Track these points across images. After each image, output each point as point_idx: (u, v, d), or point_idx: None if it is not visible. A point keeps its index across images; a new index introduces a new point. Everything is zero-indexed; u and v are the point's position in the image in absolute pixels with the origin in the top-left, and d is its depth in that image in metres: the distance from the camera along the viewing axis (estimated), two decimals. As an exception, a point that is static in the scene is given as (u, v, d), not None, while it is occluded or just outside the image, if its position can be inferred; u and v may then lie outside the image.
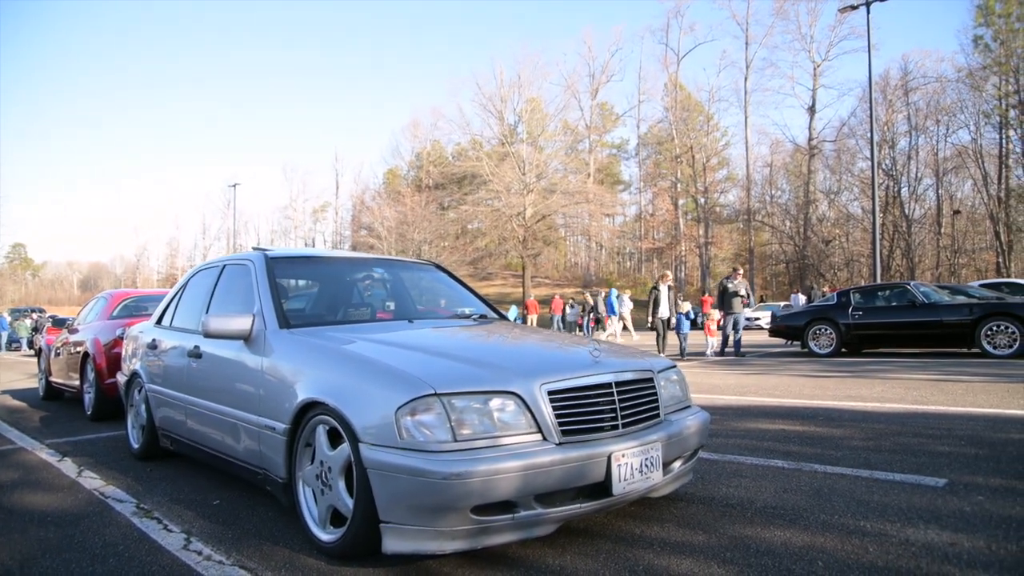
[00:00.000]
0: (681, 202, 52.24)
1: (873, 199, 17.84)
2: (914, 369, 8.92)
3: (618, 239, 54.89)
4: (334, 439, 2.56)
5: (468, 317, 3.71)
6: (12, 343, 24.94)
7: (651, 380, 2.82)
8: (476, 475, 2.13)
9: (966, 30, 35.35)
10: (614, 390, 2.59)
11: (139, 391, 4.53)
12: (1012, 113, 32.01)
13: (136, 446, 4.48)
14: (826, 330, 11.86)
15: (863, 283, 35.79)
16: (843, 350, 11.78)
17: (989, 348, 10.04)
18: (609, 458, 2.39)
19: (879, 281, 17.83)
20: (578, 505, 2.39)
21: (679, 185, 51.09)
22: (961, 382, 7.26)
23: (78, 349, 6.62)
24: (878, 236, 18.01)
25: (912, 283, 11.59)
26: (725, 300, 12.26)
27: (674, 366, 3.13)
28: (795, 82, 43.17)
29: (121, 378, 4.90)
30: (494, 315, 3.89)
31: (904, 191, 37.02)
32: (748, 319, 13.55)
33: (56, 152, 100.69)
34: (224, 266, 3.93)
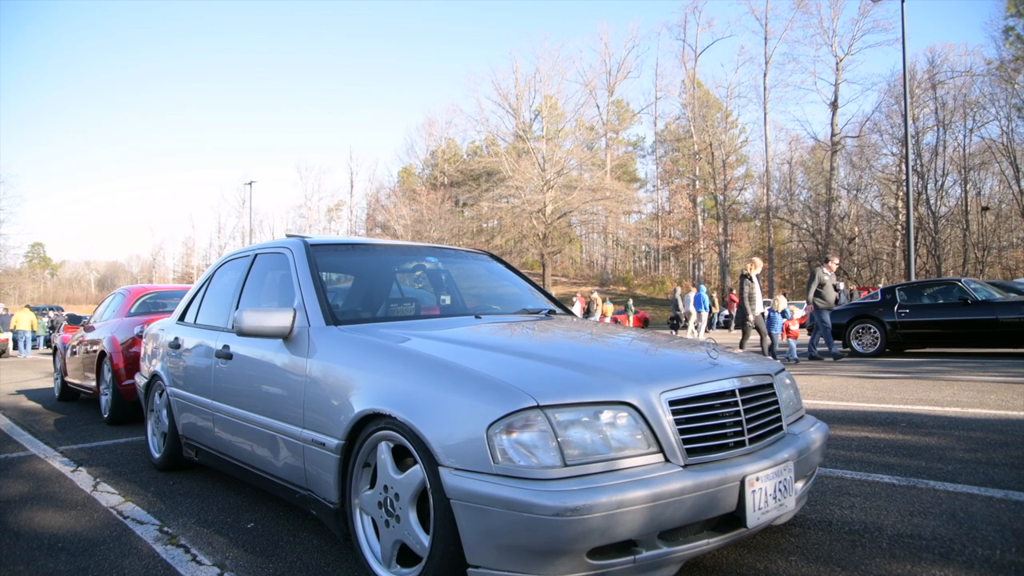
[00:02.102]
0: (699, 199, 51.51)
1: (907, 195, 17.21)
2: (974, 370, 8.36)
3: (636, 237, 54.21)
4: (401, 459, 2.12)
5: (538, 312, 3.25)
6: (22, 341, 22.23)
7: (772, 385, 2.36)
8: (597, 509, 1.68)
9: (994, 22, 34.42)
10: (739, 398, 2.14)
11: (160, 395, 4.12)
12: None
13: (157, 455, 4.07)
14: (870, 329, 11.29)
15: (884, 281, 34.94)
16: (887, 350, 11.21)
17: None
18: (743, 482, 1.94)
19: (914, 279, 17.19)
20: (705, 540, 1.94)
21: (697, 182, 50.37)
22: (1038, 385, 6.71)
23: (94, 348, 6.24)
24: (912, 233, 17.36)
25: (963, 280, 11.00)
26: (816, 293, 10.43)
27: (783, 368, 2.67)
28: (817, 77, 42.40)
29: (140, 380, 4.50)
30: (562, 311, 3.43)
31: (930, 187, 36.13)
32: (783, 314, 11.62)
33: (73, 152, 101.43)
34: (255, 255, 3.50)
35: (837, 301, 10.79)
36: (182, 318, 4.09)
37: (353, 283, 3.29)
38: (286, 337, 2.72)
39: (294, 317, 2.72)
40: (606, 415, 1.87)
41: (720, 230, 48.17)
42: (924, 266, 35.07)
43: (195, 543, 2.70)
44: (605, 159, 52.76)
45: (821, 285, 10.29)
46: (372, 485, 2.24)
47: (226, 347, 3.21)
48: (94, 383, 6.28)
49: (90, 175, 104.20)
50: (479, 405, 1.87)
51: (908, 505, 2.90)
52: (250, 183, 43.71)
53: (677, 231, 55.15)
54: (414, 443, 1.99)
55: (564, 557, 1.72)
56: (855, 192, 40.92)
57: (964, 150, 35.68)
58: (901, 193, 36.95)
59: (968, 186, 36.35)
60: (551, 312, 3.31)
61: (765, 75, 45.33)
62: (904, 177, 37.19)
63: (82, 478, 3.86)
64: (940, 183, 35.85)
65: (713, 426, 2.04)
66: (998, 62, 32.57)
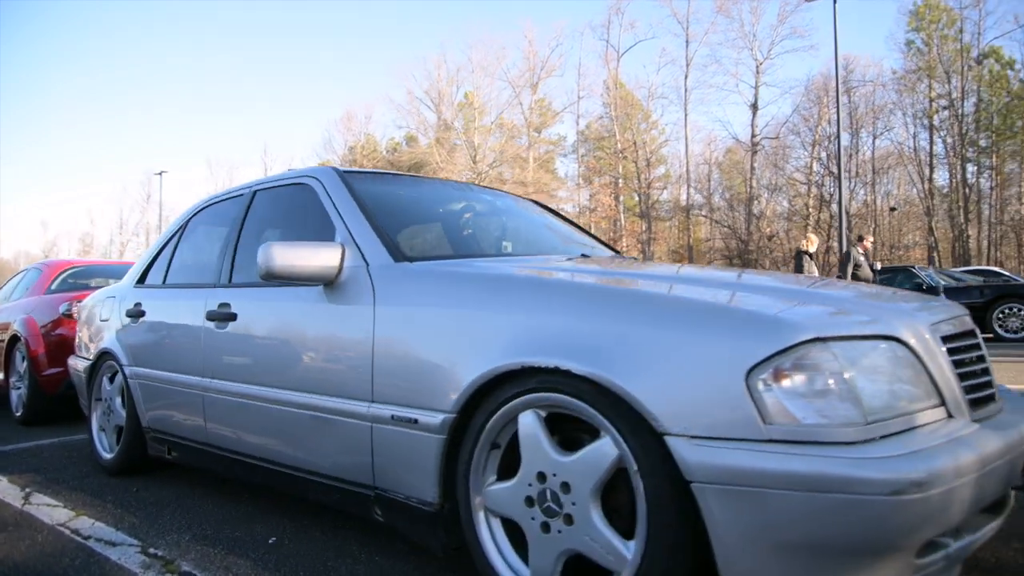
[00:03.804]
0: (621, 198, 52.23)
1: (839, 195, 17.75)
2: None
3: (561, 234, 54.36)
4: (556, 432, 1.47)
5: (625, 256, 2.63)
6: None
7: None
8: (939, 483, 1.12)
9: (894, 36, 36.71)
10: (980, 339, 1.64)
11: (110, 379, 3.23)
12: (939, 116, 33.31)
13: (107, 456, 3.17)
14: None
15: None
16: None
17: (1001, 331, 9.71)
18: None
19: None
20: (990, 524, 1.41)
21: (620, 181, 51.04)
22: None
23: (2, 334, 5.12)
24: (844, 228, 17.93)
25: (915, 267, 11.23)
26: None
27: None
28: (739, 79, 43.77)
29: (78, 363, 3.56)
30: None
31: (844, 187, 38.06)
32: None
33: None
34: (254, 193, 2.70)
35: (873, 280, 10.22)
36: (142, 280, 3.21)
37: (398, 220, 2.56)
38: (330, 282, 1.99)
39: (342, 254, 2.00)
40: (885, 353, 1.30)
41: (644, 228, 49.02)
42: (838, 262, 36.83)
43: (205, 568, 1.92)
44: (528, 157, 52.65)
45: (857, 266, 9.66)
46: (502, 475, 1.57)
47: (224, 305, 2.42)
48: (0, 376, 5.15)
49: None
50: (726, 343, 1.25)
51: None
52: (160, 173, 40.66)
53: (600, 229, 55.78)
54: (605, 407, 1.35)
55: (890, 557, 1.14)
56: (772, 192, 42.63)
57: (873, 153, 37.74)
58: (813, 193, 38.75)
59: (878, 187, 38.50)
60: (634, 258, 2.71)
61: (686, 77, 46.43)
62: (816, 179, 38.94)
63: (4, 489, 2.93)
64: (852, 184, 37.76)
65: (980, 371, 1.53)
66: (902, 72, 34.61)
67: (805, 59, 54.18)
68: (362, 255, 1.99)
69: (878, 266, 10.10)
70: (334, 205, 2.20)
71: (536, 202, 3.25)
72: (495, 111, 51.96)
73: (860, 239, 10.14)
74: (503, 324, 1.56)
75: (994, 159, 31.54)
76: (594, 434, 1.42)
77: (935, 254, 32.90)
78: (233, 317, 2.37)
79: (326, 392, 1.95)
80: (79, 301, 4.54)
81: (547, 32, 57.39)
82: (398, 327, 1.77)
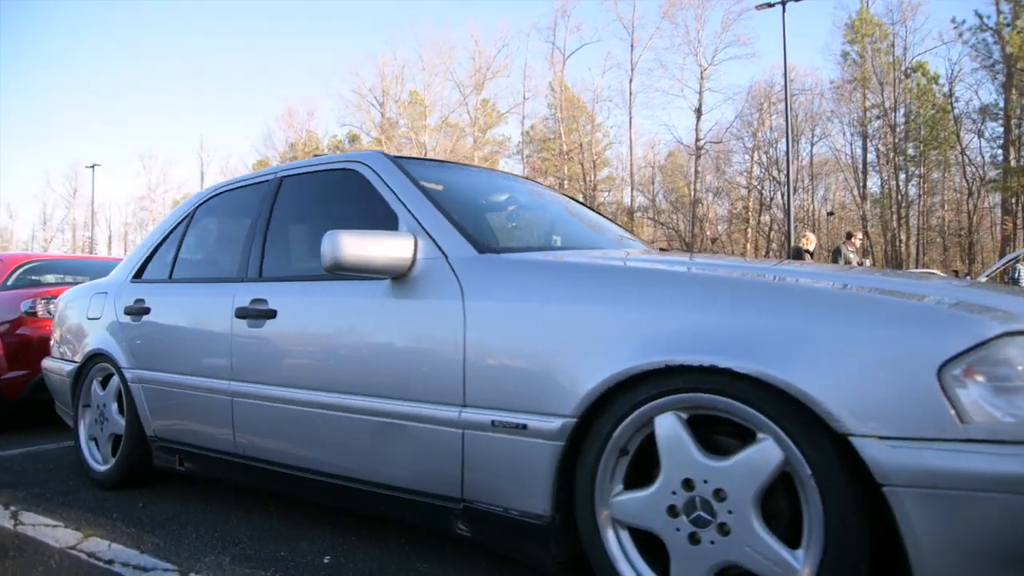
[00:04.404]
0: (568, 199, 52.64)
1: (788, 199, 18.35)
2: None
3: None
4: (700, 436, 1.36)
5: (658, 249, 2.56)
6: None
7: None
8: None
9: (830, 48, 38.36)
10: None
11: (102, 383, 2.94)
12: (873, 125, 34.94)
13: (101, 468, 2.88)
14: None
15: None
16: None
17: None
18: None
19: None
20: None
21: (566, 182, 51.45)
22: None
23: (-52, 335, 4.64)
24: (792, 229, 18.54)
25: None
26: None
27: None
28: (684, 84, 44.78)
29: (59, 366, 3.23)
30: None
31: (784, 191, 39.43)
32: None
33: None
34: (281, 179, 2.48)
35: None
36: (139, 275, 2.93)
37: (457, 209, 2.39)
38: (401, 275, 1.83)
39: (415, 245, 1.83)
40: None
41: (592, 229, 49.52)
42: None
43: (267, 595, 1.73)
44: (473, 157, 52.45)
45: (847, 262, 9.60)
46: (630, 483, 1.45)
47: (258, 301, 2.21)
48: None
49: None
50: (914, 338, 1.18)
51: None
52: (92, 167, 38.42)
53: (548, 231, 56.06)
54: (768, 407, 1.26)
55: None
56: (715, 194, 43.81)
57: (811, 159, 39.29)
58: (754, 197, 40.03)
59: (814, 192, 40.09)
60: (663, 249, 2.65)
61: (631, 80, 47.18)
62: (756, 183, 40.22)
63: (-15, 507, 2.61)
64: (793, 188, 39.26)
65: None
66: (839, 82, 36.16)
67: (747, 66, 55.95)
68: (437, 246, 1.83)
69: (867, 263, 10.03)
70: (393, 192, 2.03)
71: (565, 193, 3.13)
72: (442, 110, 51.58)
73: (849, 236, 10.08)
74: (634, 320, 1.44)
75: (922, 168, 33.26)
76: (744, 436, 1.32)
77: (870, 257, 34.50)
78: (271, 314, 2.16)
79: (400, 396, 1.79)
80: (44, 298, 4.17)
81: (493, 32, 57.24)
82: (498, 325, 1.63)
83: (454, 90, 51.55)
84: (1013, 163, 27.45)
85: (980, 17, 27.04)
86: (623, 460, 1.46)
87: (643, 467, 1.46)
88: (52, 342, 3.43)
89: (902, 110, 33.20)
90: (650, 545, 1.44)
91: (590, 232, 2.58)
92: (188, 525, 2.34)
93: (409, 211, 1.95)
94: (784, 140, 39.45)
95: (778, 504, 1.30)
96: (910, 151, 33.28)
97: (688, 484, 1.35)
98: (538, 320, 1.57)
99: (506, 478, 1.60)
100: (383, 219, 2.11)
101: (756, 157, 41.21)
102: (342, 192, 2.26)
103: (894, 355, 1.18)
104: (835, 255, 10.07)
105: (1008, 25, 26.27)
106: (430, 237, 1.86)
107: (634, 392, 1.41)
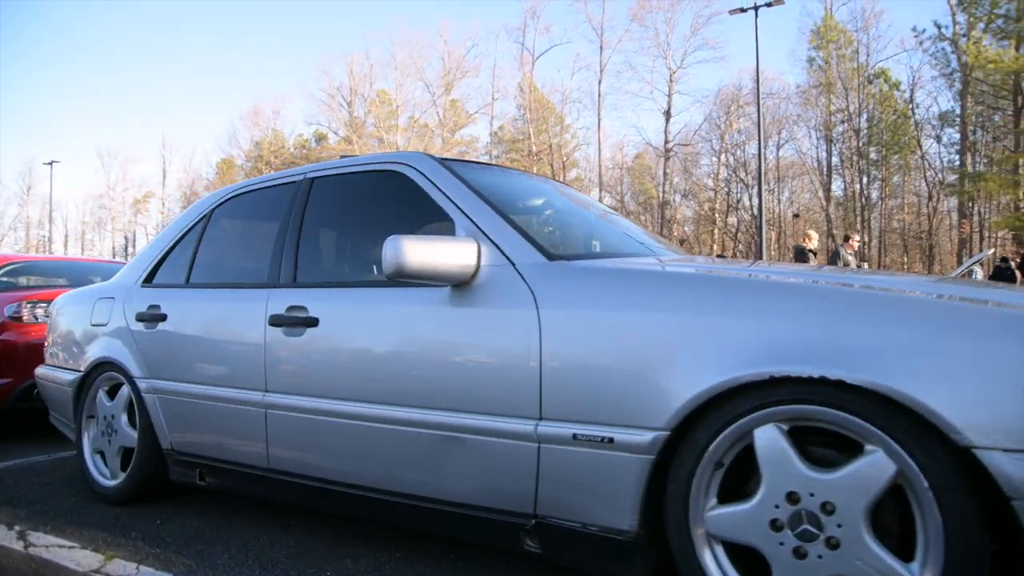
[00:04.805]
0: (538, 200, 52.75)
1: (760, 200, 18.68)
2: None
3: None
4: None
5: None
6: None
7: None
8: None
9: (795, 53, 39.24)
10: None
11: (109, 394, 2.79)
12: (837, 129, 35.82)
13: (109, 483, 2.73)
14: None
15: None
16: None
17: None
18: None
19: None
20: None
21: (537, 183, 51.54)
22: None
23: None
24: (763, 231, 18.86)
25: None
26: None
27: None
28: (653, 87, 45.24)
29: (58, 375, 3.06)
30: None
31: (752, 194, 40.14)
32: None
33: None
34: (312, 181, 2.38)
35: None
36: (149, 280, 2.79)
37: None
38: (464, 283, 1.76)
39: (478, 251, 1.77)
40: None
41: (562, 230, 49.73)
42: (744, 266, 38.73)
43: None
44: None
45: (845, 265, 9.46)
46: (723, 498, 1.41)
47: (297, 308, 2.11)
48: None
49: None
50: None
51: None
52: (51, 163, 37.11)
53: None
54: (880, 418, 1.23)
55: None
56: (683, 196, 44.40)
57: (777, 161, 40.08)
58: (720, 199, 40.69)
59: (780, 194, 40.92)
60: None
61: (600, 82, 47.50)
62: (723, 185, 40.87)
63: (-13, 527, 2.45)
64: (759, 190, 40.02)
65: None
66: (805, 86, 36.98)
67: (716, 70, 56.83)
68: (502, 252, 1.77)
69: (866, 266, 9.97)
70: (445, 195, 1.95)
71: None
72: (411, 110, 51.19)
73: (847, 239, 9.97)
74: (737, 330, 1.40)
75: (884, 171, 34.19)
76: (848, 448, 1.29)
77: (867, 261, 35.36)
78: (312, 322, 2.06)
79: (464, 408, 1.72)
80: (31, 302, 3.98)
81: (463, 33, 57.13)
82: (579, 336, 1.57)
83: (424, 91, 51.28)
84: (969, 168, 28.40)
85: (939, 27, 27.88)
86: (717, 473, 1.42)
87: (734, 480, 1.42)
88: (47, 349, 3.25)
89: (865, 115, 34.08)
90: (741, 557, 1.41)
91: (627, 237, 2.53)
92: (216, 544, 2.23)
93: (467, 215, 1.88)
94: (751, 143, 40.22)
95: (885, 517, 1.27)
96: (872, 155, 34.17)
97: (792, 497, 1.31)
98: (625, 330, 1.52)
99: (587, 493, 1.54)
100: (430, 223, 2.04)
101: (724, 159, 41.83)
102: (383, 194, 2.18)
103: (1014, 366, 1.16)
104: (833, 257, 9.93)
105: (964, 36, 27.15)
106: (493, 243, 1.79)
107: (733, 404, 1.37)
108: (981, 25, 25.87)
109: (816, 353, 1.30)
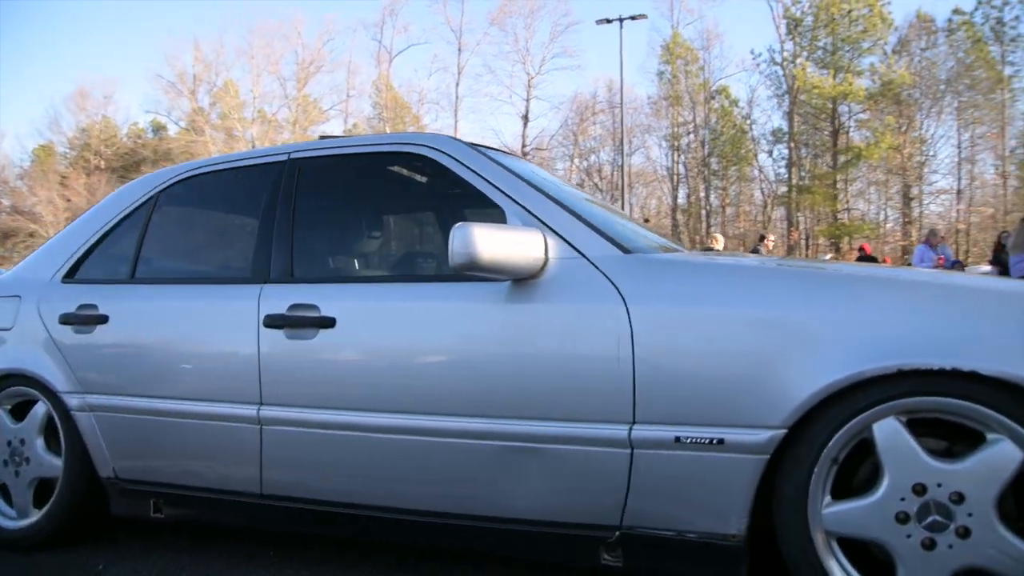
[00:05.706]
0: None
1: (623, 204, 19.64)
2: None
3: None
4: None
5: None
6: None
7: None
8: None
9: (645, 66, 42.00)
10: None
11: (12, 414, 2.29)
12: (684, 140, 38.70)
13: (14, 525, 2.22)
14: None
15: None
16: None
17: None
18: None
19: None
20: None
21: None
22: None
23: None
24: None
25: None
26: None
27: None
28: (512, 91, 46.09)
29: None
30: None
31: (605, 196, 42.19)
32: None
33: None
34: (295, 162, 2.07)
35: None
36: (71, 275, 2.32)
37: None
38: (530, 277, 1.61)
39: (545, 243, 1.63)
40: None
41: (422, 231, 49.29)
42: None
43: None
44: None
45: None
46: (837, 493, 1.40)
47: (302, 308, 1.83)
48: None
49: None
50: None
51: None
52: None
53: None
54: (1010, 408, 1.28)
55: None
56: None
57: (628, 168, 42.56)
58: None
59: (634, 200, 43.44)
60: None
61: (458, 84, 47.62)
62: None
63: None
64: (613, 195, 42.15)
65: None
66: (656, 98, 39.55)
67: (573, 77, 59.12)
68: (571, 245, 1.64)
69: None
70: (490, 183, 1.78)
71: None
72: (265, 104, 48.26)
73: (762, 238, 10.41)
74: (853, 324, 1.38)
75: (724, 181, 37.43)
76: (966, 438, 1.33)
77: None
78: (326, 323, 1.79)
79: (534, 416, 1.57)
80: None
81: (319, 26, 54.82)
82: (678, 333, 1.48)
83: (276, 83, 48.51)
84: (796, 181, 31.84)
85: (771, 52, 31.01)
86: (833, 470, 1.40)
87: (843, 475, 1.41)
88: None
89: (707, 128, 37.08)
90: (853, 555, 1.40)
91: (638, 229, 2.49)
92: (195, 586, 1.88)
93: (519, 204, 1.72)
94: (603, 149, 42.37)
95: (1004, 504, 1.32)
96: (714, 165, 37.24)
97: (918, 489, 1.32)
98: (733, 328, 1.45)
99: (688, 498, 1.46)
100: (460, 211, 1.86)
101: (577, 164, 43.63)
102: (401, 180, 1.96)
103: None
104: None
105: (792, 62, 30.42)
106: (558, 235, 1.65)
107: (852, 399, 1.35)
108: (805, 54, 29.14)
109: (941, 345, 1.32)
